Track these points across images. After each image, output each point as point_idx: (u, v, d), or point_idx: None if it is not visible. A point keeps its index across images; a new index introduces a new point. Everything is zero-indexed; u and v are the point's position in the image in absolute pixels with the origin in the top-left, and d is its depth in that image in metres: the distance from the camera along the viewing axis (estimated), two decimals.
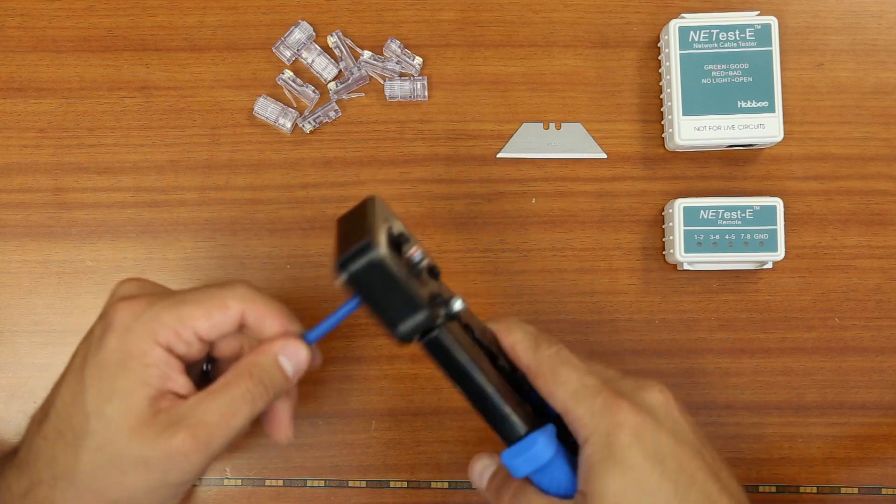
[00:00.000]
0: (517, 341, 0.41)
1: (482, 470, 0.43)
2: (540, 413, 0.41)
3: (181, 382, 0.38)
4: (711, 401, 0.52)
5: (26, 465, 0.38)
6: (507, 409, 0.39)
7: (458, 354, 0.38)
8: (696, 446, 0.38)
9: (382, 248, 0.36)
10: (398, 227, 0.39)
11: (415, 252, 0.38)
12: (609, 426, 0.37)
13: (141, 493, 0.37)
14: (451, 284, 0.52)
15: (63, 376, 0.39)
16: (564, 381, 0.39)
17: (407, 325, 0.37)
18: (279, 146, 0.53)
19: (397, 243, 0.38)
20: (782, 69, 0.51)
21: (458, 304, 0.39)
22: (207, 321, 0.38)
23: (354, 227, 0.37)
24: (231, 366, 0.39)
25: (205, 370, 0.42)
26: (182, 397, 0.38)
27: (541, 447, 0.38)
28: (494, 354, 0.41)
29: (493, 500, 0.42)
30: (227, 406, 0.37)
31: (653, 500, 0.36)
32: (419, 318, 0.37)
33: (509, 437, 0.39)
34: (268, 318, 0.39)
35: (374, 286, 0.36)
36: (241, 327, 0.39)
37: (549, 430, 0.39)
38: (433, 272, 0.40)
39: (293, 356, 0.39)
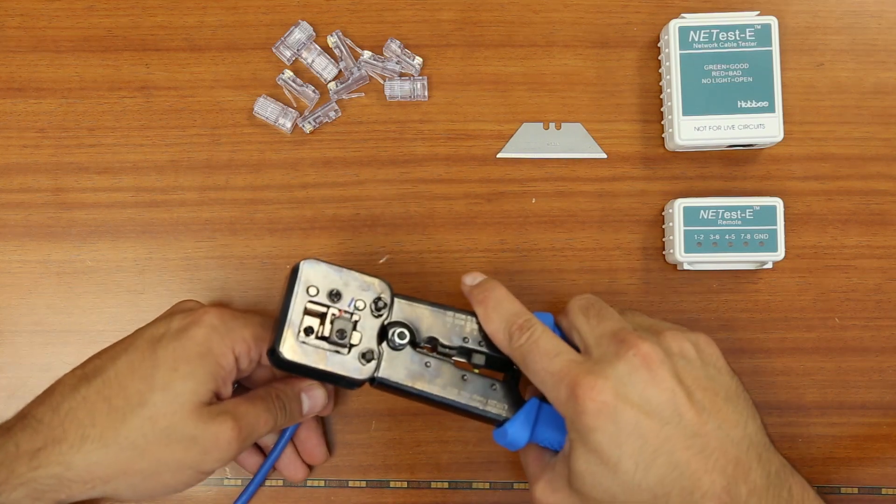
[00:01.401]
0: (493, 333, 0.44)
1: (548, 485, 0.44)
2: None
3: (228, 389, 0.44)
4: None
5: (46, 426, 0.40)
6: (474, 408, 0.44)
7: (405, 387, 0.44)
8: (669, 412, 0.39)
9: (287, 349, 0.42)
10: (324, 292, 0.43)
11: (339, 315, 0.43)
12: (573, 413, 0.40)
13: (171, 467, 0.41)
14: (451, 285, 0.52)
15: (120, 351, 0.42)
16: (534, 372, 0.42)
17: (345, 385, 0.43)
18: (279, 146, 0.53)
19: (321, 314, 0.43)
20: (782, 69, 0.51)
21: (381, 371, 0.43)
22: (262, 348, 0.44)
23: (281, 308, 0.43)
24: (260, 387, 0.46)
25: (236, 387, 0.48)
26: (222, 400, 0.43)
27: (512, 435, 0.43)
28: (469, 350, 0.45)
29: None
30: (260, 412, 0.43)
31: (612, 480, 0.39)
32: (351, 382, 0.43)
33: (489, 424, 0.45)
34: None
35: (300, 371, 0.43)
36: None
37: (524, 412, 0.44)
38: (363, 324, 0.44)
39: (313, 397, 0.47)
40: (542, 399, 0.44)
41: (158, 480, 0.41)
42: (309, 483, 0.52)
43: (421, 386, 0.44)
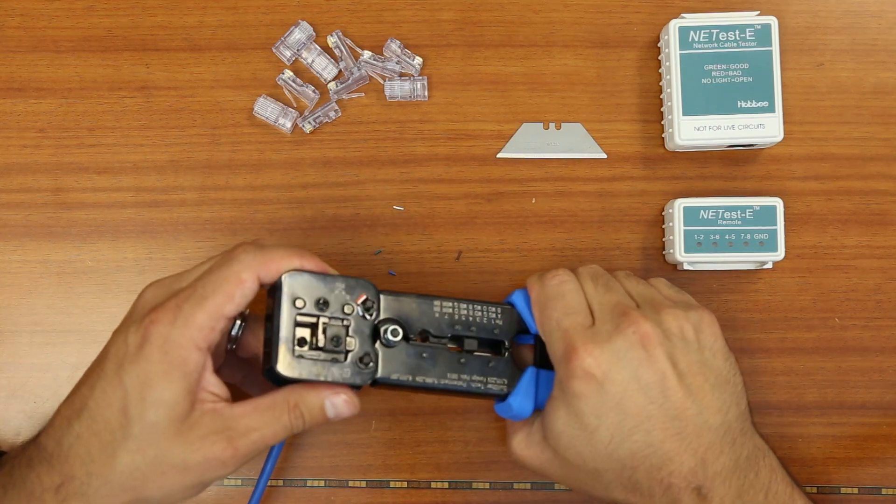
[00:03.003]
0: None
1: (525, 438, 0.45)
2: None
3: (213, 381, 0.40)
4: None
5: (57, 461, 0.39)
6: (476, 388, 0.44)
7: (406, 382, 0.44)
8: (655, 392, 0.41)
9: (283, 367, 0.41)
10: (310, 302, 0.42)
11: (329, 323, 0.42)
12: (564, 374, 0.42)
13: (177, 490, 0.40)
14: (450, 285, 0.52)
15: (95, 377, 0.40)
16: (547, 317, 0.44)
17: (351, 386, 0.42)
18: (279, 146, 0.53)
19: (311, 324, 0.42)
20: (782, 69, 0.51)
21: (380, 370, 0.43)
22: (232, 304, 0.40)
23: (271, 325, 0.42)
24: (276, 392, 0.41)
25: (233, 334, 0.44)
26: (215, 394, 0.40)
27: (517, 408, 0.45)
28: (461, 336, 0.45)
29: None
30: (267, 425, 0.40)
31: (586, 445, 0.41)
32: (352, 387, 0.42)
33: (493, 400, 0.46)
34: (283, 266, 0.41)
35: (302, 381, 0.41)
36: (261, 286, 0.41)
37: (524, 383, 0.45)
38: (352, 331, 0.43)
39: (338, 406, 0.42)
40: (538, 365, 0.46)
41: (171, 501, 0.40)
42: (309, 483, 0.52)
43: (421, 378, 0.44)
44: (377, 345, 0.43)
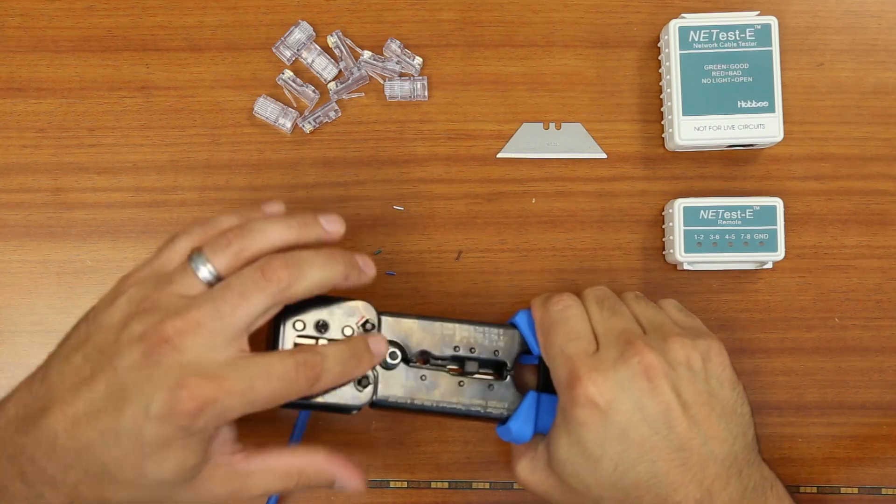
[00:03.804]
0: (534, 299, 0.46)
1: (529, 463, 0.45)
2: None
3: (226, 430, 0.39)
4: None
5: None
6: (476, 412, 0.45)
7: (404, 404, 0.44)
8: (660, 423, 0.40)
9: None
10: (310, 324, 0.42)
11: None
12: (567, 401, 0.41)
13: None
14: (450, 285, 0.52)
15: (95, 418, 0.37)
16: (551, 342, 0.43)
17: (344, 412, 0.43)
18: (279, 146, 0.53)
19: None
20: (782, 69, 0.51)
21: (379, 393, 0.43)
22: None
23: (270, 349, 0.42)
24: (286, 449, 0.41)
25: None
26: (226, 440, 0.39)
27: (517, 432, 0.44)
28: (461, 358, 0.45)
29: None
30: (276, 485, 0.40)
31: (590, 473, 0.41)
32: (350, 409, 0.42)
33: (495, 416, 0.45)
34: None
35: (299, 406, 0.42)
36: None
37: (524, 407, 0.45)
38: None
39: (347, 485, 0.41)
40: (541, 388, 0.46)
41: None
42: None
43: (420, 400, 0.44)
44: (376, 367, 0.43)
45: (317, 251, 0.40)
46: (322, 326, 0.42)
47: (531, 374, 0.48)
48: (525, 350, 0.46)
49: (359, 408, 0.43)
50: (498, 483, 0.52)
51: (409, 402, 0.44)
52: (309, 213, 0.41)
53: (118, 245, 0.53)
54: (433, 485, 0.52)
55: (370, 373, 0.43)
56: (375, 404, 0.43)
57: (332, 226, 0.41)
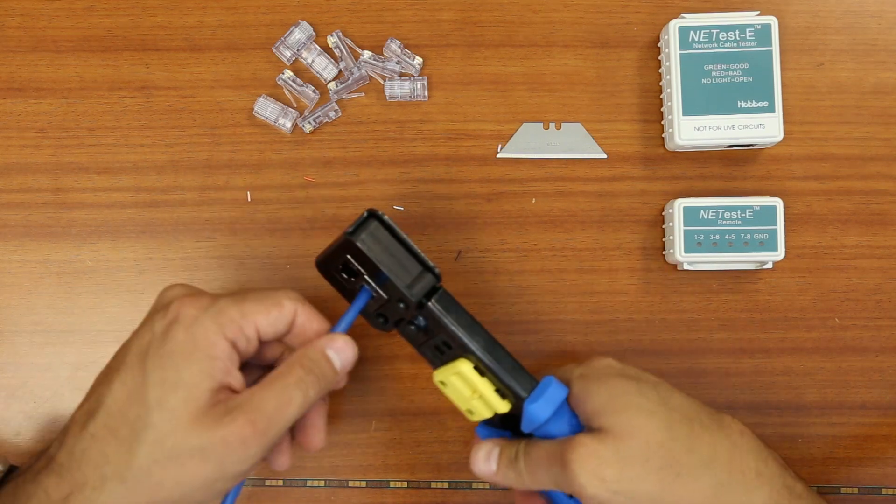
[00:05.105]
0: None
1: (488, 454, 0.44)
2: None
3: (237, 377, 0.40)
4: (711, 401, 0.52)
5: (67, 471, 0.38)
6: (515, 359, 0.42)
7: (463, 307, 0.42)
8: (657, 494, 0.40)
9: (385, 214, 0.41)
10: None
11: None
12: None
13: (197, 486, 0.38)
14: (450, 285, 0.52)
15: (113, 373, 0.39)
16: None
17: (420, 287, 0.42)
18: (279, 146, 0.53)
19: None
20: (782, 69, 0.51)
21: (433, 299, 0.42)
22: (266, 318, 0.40)
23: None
24: (280, 365, 0.41)
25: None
26: (236, 392, 0.39)
27: (555, 386, 0.42)
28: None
29: (509, 472, 0.43)
30: (281, 394, 0.39)
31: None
32: (429, 278, 0.42)
33: (524, 385, 0.42)
34: (314, 321, 0.42)
35: (383, 251, 0.41)
36: (291, 328, 0.42)
37: (549, 392, 0.42)
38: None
39: (341, 350, 0.42)
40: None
41: (191, 501, 0.38)
42: (309, 483, 0.52)
43: (473, 317, 0.42)
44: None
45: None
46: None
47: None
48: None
49: (421, 295, 0.42)
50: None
51: (467, 312, 0.42)
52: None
53: (118, 245, 0.53)
54: (433, 485, 0.52)
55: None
56: (437, 291, 0.42)
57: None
